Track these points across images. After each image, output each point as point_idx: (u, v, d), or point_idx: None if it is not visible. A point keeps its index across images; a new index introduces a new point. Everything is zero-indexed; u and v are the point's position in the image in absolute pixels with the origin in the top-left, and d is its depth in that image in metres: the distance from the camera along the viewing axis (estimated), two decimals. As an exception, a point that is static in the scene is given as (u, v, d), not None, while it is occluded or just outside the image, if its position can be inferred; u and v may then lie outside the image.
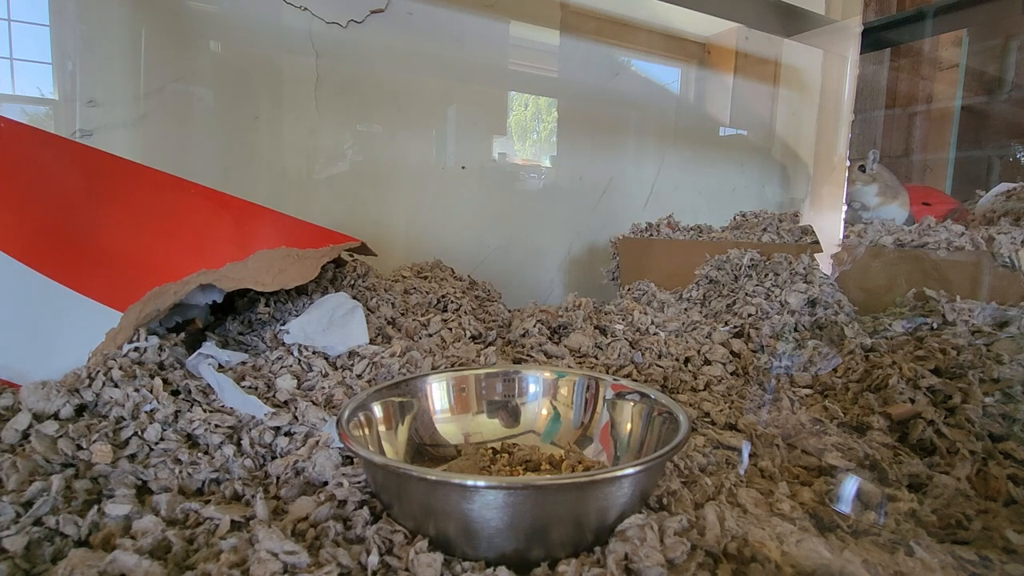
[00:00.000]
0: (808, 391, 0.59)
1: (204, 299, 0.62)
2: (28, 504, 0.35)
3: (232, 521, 0.34)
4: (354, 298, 0.70)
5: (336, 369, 0.59)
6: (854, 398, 0.56)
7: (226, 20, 0.93)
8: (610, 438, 0.46)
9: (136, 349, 0.54)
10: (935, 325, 0.69)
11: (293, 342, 0.62)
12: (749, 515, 0.36)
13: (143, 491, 0.40)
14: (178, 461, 0.42)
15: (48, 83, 0.84)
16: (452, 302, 0.77)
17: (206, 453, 0.44)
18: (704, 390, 0.61)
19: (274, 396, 0.54)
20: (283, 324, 0.66)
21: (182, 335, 0.61)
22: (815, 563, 0.31)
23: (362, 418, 0.42)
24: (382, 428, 0.44)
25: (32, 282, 0.57)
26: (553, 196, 1.34)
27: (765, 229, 1.01)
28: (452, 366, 0.59)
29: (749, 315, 0.76)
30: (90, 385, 0.48)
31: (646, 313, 0.77)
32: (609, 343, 0.68)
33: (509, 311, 0.81)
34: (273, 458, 0.45)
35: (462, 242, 1.21)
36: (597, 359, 0.65)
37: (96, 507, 0.35)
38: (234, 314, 0.70)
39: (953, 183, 1.47)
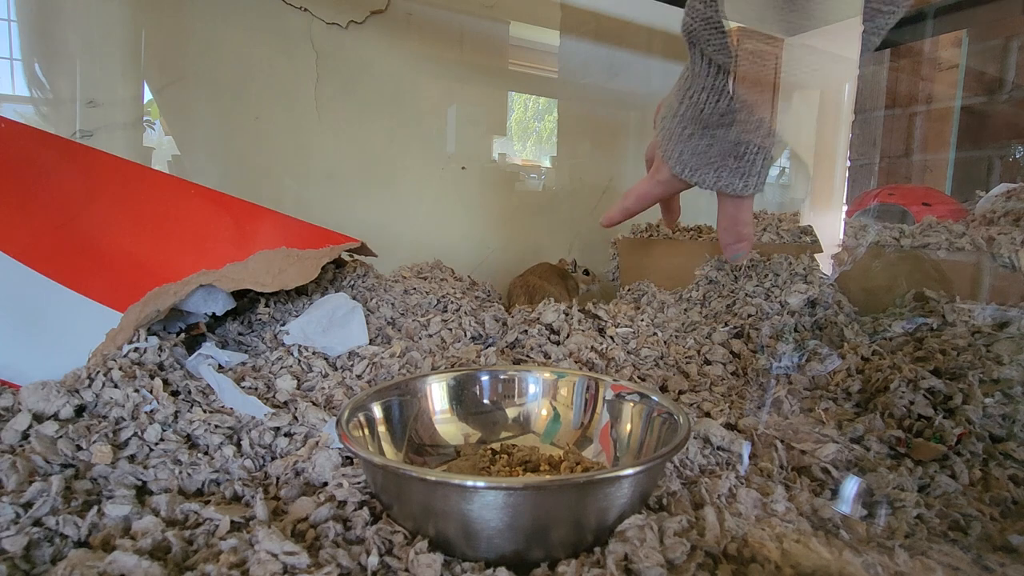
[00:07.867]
0: (808, 392, 0.59)
1: (205, 309, 0.62)
2: (28, 505, 0.35)
3: (232, 522, 0.34)
4: (354, 299, 0.70)
5: (336, 370, 0.59)
6: (854, 398, 0.56)
7: (226, 20, 0.93)
8: (610, 439, 0.46)
9: (136, 350, 0.54)
10: (935, 326, 0.69)
11: (293, 343, 0.62)
12: (749, 516, 0.36)
13: (143, 492, 0.40)
14: (178, 462, 0.42)
15: (48, 83, 0.84)
16: (452, 303, 0.77)
17: (206, 454, 0.44)
18: (704, 390, 0.61)
19: (274, 397, 0.54)
20: (283, 325, 0.66)
21: (182, 335, 0.61)
22: (815, 563, 0.31)
23: (362, 419, 0.42)
24: (382, 429, 0.44)
25: (32, 282, 0.57)
26: (553, 196, 1.34)
27: (765, 229, 1.01)
28: (452, 367, 0.59)
29: (749, 316, 0.76)
30: (90, 385, 0.48)
31: (646, 313, 0.77)
32: (609, 344, 0.68)
33: (509, 312, 0.81)
34: (273, 459, 0.45)
35: (462, 242, 1.21)
36: (597, 360, 0.65)
37: (96, 508, 0.35)
38: (234, 314, 0.70)
39: (953, 183, 1.47)
